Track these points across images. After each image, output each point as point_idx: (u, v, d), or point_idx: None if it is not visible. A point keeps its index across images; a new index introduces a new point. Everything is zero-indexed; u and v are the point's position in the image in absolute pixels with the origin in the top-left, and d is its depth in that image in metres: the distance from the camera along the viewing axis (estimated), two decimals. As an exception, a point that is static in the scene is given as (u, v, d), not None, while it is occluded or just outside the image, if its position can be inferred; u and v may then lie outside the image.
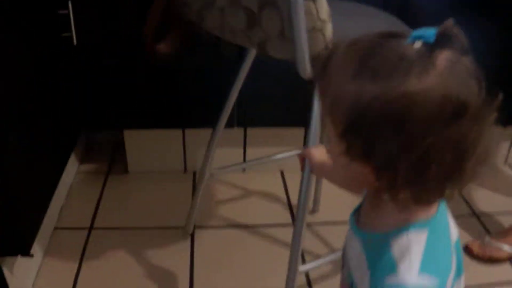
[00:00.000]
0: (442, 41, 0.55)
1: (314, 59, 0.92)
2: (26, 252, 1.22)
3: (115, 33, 1.47)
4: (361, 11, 1.18)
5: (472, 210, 1.67)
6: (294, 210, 1.64)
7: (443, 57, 0.54)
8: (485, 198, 1.72)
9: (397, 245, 0.62)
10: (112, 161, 1.86)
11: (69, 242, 1.50)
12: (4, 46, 1.11)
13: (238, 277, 1.41)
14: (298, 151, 1.03)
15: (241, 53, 1.25)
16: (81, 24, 1.40)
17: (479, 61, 0.57)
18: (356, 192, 0.72)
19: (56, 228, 1.53)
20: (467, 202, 1.70)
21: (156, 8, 1.01)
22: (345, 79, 0.57)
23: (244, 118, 1.67)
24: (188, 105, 1.64)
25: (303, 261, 1.43)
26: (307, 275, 1.42)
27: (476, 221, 1.63)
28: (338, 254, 1.32)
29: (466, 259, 1.39)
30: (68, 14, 1.31)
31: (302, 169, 0.99)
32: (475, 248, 1.47)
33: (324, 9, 0.90)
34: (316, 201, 1.64)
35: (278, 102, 1.62)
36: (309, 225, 1.59)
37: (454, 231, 0.69)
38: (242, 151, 1.79)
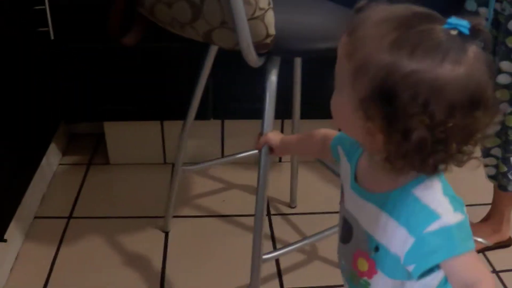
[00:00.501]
0: (474, 34, 0.59)
1: (258, 46, 0.95)
2: (0, 238, 1.27)
3: (92, 27, 1.50)
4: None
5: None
6: (270, 202, 1.67)
7: (473, 49, 0.59)
8: (458, 191, 1.73)
9: (423, 194, 0.66)
10: (94, 153, 1.90)
11: (48, 230, 1.54)
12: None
13: (211, 265, 1.44)
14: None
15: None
16: (58, 19, 1.44)
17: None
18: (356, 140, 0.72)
19: (36, 217, 1.58)
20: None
21: (117, 7, 1.05)
22: (380, 48, 0.59)
23: (220, 111, 1.70)
24: (166, 98, 1.67)
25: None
26: (277, 264, 1.45)
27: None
28: (305, 242, 1.37)
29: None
30: (45, 10, 1.35)
31: (258, 148, 1.04)
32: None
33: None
34: (292, 197, 1.66)
35: (255, 95, 1.64)
36: (285, 216, 1.63)
37: None
38: (220, 143, 1.83)
